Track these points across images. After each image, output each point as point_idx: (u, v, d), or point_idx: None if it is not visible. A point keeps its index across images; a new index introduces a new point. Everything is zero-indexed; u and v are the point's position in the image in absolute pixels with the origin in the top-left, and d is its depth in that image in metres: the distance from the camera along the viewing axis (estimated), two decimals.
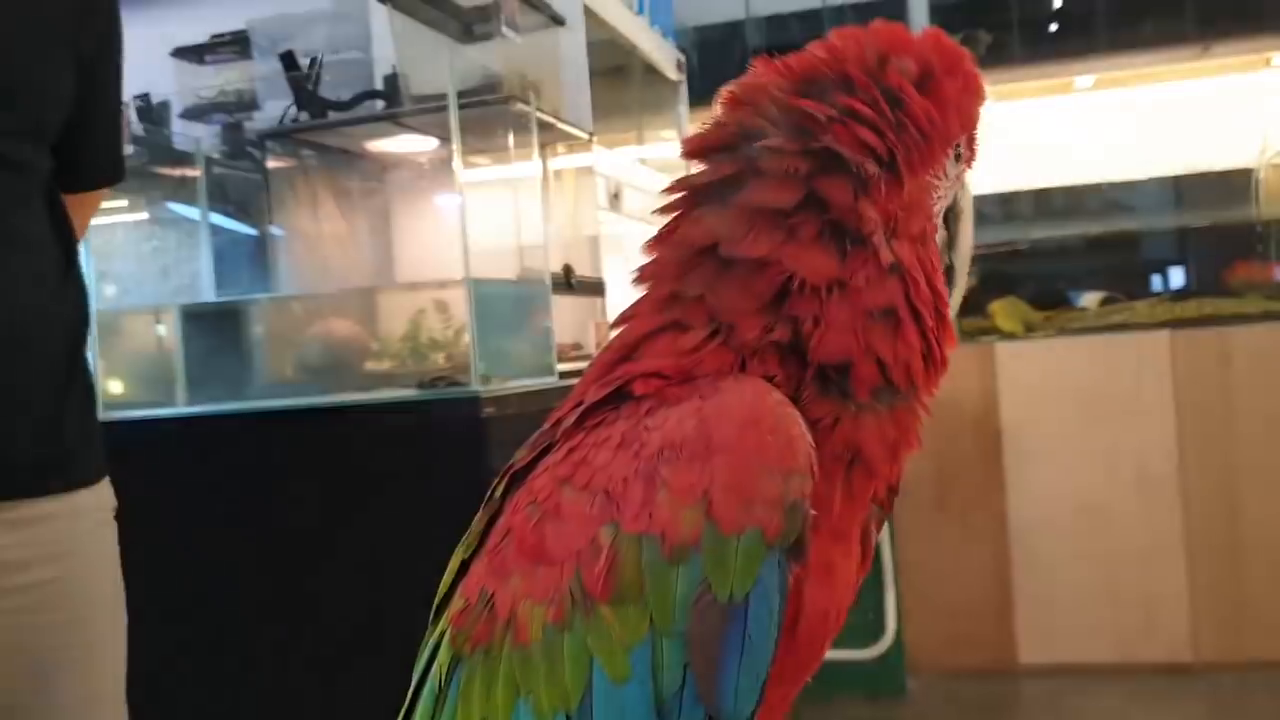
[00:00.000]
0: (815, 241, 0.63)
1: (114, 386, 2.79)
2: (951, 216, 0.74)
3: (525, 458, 0.72)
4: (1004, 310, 4.77)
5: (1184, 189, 5.27)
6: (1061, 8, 5.11)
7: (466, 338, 2.55)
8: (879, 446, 0.65)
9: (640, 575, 0.59)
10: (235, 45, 3.62)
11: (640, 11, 4.06)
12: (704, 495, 0.59)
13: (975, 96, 0.72)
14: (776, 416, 0.60)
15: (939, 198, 0.71)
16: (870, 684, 4.40)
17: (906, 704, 4.38)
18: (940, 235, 0.73)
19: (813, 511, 0.60)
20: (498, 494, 0.73)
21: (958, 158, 0.73)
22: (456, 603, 0.70)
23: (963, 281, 0.77)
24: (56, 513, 1.60)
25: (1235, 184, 5.11)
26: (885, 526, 4.13)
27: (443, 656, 0.70)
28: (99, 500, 1.69)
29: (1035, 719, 4.28)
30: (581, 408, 0.69)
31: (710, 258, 0.66)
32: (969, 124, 0.73)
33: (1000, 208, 5.24)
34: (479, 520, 0.73)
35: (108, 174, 1.82)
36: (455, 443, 2.40)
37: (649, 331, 0.68)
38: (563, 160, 3.52)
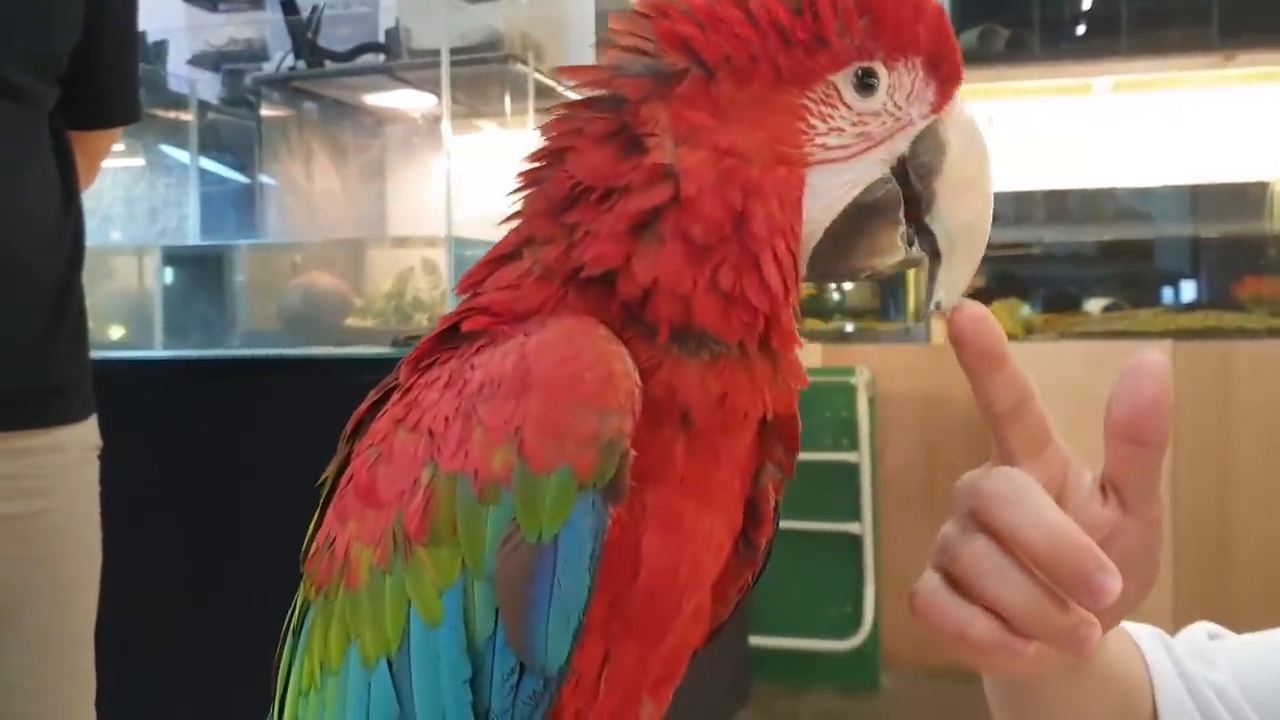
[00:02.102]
0: (600, 140, 0.60)
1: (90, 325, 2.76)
2: (920, 169, 0.63)
3: (371, 399, 0.70)
4: (1004, 311, 4.72)
5: (1198, 199, 5.20)
6: (1085, 8, 5.03)
7: (449, 298, 2.52)
8: (700, 397, 0.61)
9: (454, 515, 0.58)
10: None
11: None
12: (515, 432, 0.57)
13: (898, 10, 0.61)
14: (597, 353, 0.57)
15: (829, 129, 0.61)
16: (844, 676, 4.38)
17: (879, 698, 4.36)
18: (884, 189, 0.63)
19: (634, 452, 0.57)
20: (346, 437, 0.71)
21: (864, 86, 0.61)
22: (312, 547, 0.69)
23: (962, 261, 0.64)
24: (39, 447, 1.60)
25: (1250, 197, 5.04)
26: (870, 519, 4.13)
27: (299, 599, 0.70)
28: (83, 438, 1.68)
29: None
30: (419, 345, 0.68)
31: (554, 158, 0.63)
32: (880, 43, 0.61)
33: (1010, 208, 5.18)
34: (333, 464, 0.71)
35: (121, 113, 1.80)
36: None
37: (502, 254, 0.65)
38: None
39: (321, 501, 0.71)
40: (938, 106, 0.63)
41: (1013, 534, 0.61)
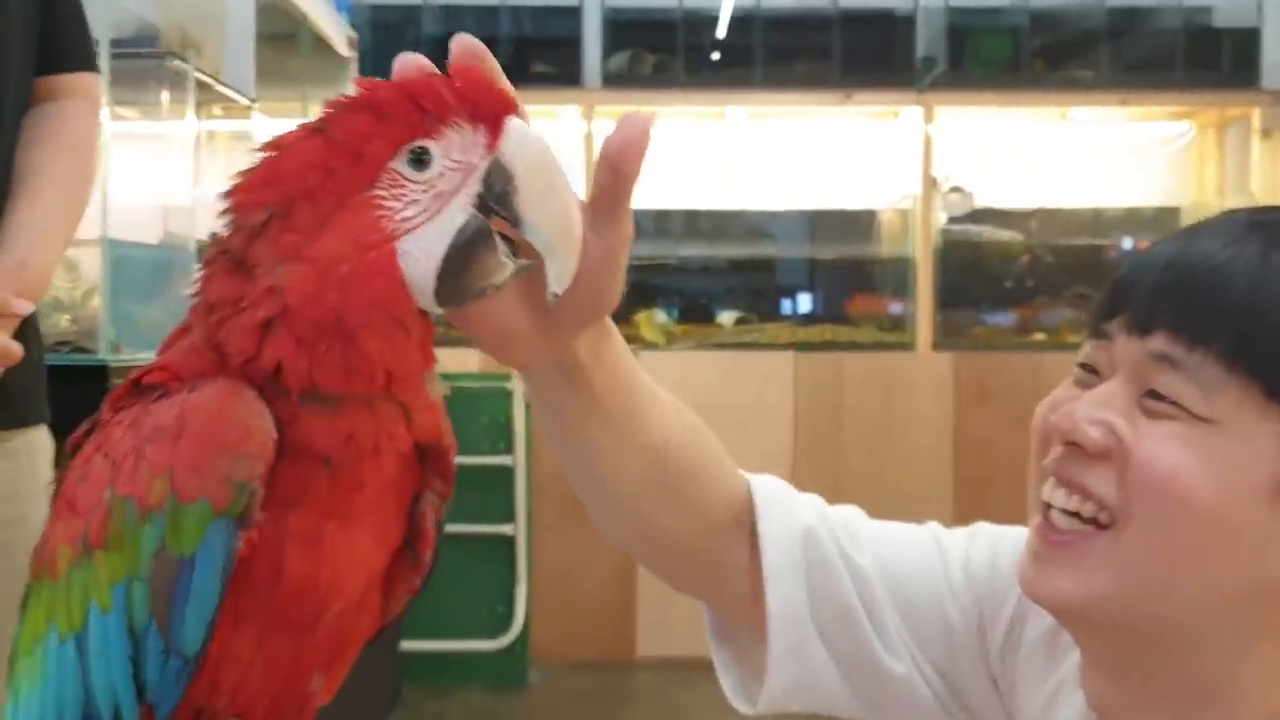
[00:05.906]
0: (226, 274, 0.75)
1: None
2: (498, 199, 0.74)
3: (85, 427, 0.83)
4: (647, 321, 5.02)
5: (817, 223, 5.73)
6: (723, 40, 5.41)
7: (97, 301, 2.39)
8: (328, 438, 0.75)
9: (123, 529, 0.74)
10: None
11: None
12: (169, 469, 0.73)
13: (413, 99, 0.74)
14: (238, 412, 0.73)
15: (405, 204, 0.73)
16: (494, 675, 4.49)
17: (526, 693, 4.51)
18: (473, 228, 0.74)
19: (274, 486, 0.73)
20: (66, 455, 0.85)
21: (419, 162, 0.74)
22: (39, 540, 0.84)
23: (563, 256, 0.75)
24: (18, 449, 1.55)
25: (861, 223, 5.61)
26: (523, 521, 4.26)
27: (28, 580, 0.83)
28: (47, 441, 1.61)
29: (645, 706, 4.51)
30: (115, 394, 0.82)
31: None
32: (409, 128, 0.73)
33: (651, 224, 5.49)
34: (59, 476, 0.85)
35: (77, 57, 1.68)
36: (79, 412, 2.24)
37: (185, 326, 0.80)
38: (221, 123, 3.36)
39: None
40: (492, 145, 0.74)
41: None
